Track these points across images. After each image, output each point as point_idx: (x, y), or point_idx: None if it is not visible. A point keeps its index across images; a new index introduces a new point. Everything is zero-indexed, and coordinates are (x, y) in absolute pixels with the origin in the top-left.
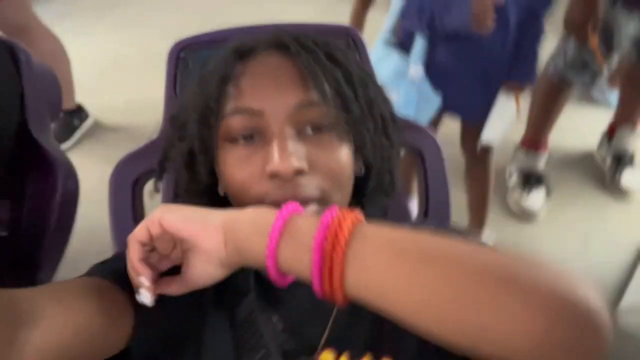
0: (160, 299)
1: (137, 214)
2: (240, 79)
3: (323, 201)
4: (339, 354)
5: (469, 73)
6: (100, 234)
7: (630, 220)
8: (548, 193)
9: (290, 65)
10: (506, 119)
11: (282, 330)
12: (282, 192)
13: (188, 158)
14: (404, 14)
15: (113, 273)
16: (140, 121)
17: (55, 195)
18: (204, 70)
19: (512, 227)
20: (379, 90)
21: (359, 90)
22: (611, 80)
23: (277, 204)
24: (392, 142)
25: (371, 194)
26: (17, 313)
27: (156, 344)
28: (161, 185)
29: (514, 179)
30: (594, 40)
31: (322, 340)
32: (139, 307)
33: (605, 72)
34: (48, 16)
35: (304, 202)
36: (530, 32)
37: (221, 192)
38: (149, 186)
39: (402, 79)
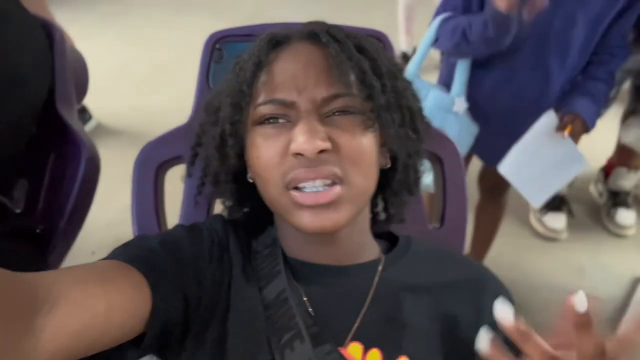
0: (178, 282)
1: (159, 200)
2: (273, 66)
3: (344, 181)
4: (366, 349)
5: (497, 118)
6: (97, 232)
7: (624, 254)
8: (570, 215)
9: (320, 55)
10: (563, 174)
11: (310, 315)
12: (306, 169)
13: (219, 141)
14: (439, 44)
15: (134, 257)
16: (143, 126)
17: (77, 175)
18: (239, 58)
19: (507, 257)
20: (407, 85)
21: (387, 82)
22: None
23: (299, 180)
24: (420, 136)
25: (395, 189)
26: (33, 299)
27: (173, 328)
28: (192, 170)
29: None
30: None
31: (351, 333)
32: (156, 292)
33: None
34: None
35: (326, 179)
36: (600, 73)
37: (250, 178)
38: (173, 172)
39: (446, 114)
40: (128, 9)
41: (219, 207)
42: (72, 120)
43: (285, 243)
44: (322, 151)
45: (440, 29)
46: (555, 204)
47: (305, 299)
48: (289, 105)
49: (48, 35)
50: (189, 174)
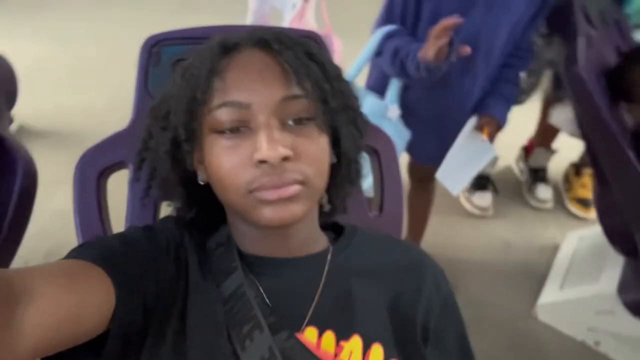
0: (139, 282)
1: (102, 206)
2: (226, 72)
3: (305, 185)
4: (321, 333)
5: (428, 120)
6: (28, 241)
7: (544, 226)
8: (495, 192)
9: (273, 62)
10: (475, 165)
11: (267, 306)
12: (269, 177)
13: (171, 147)
14: (381, 60)
15: (96, 256)
16: (70, 126)
17: (13, 189)
18: (187, 64)
19: (441, 237)
20: (349, 86)
21: (335, 84)
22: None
23: (263, 188)
24: (361, 133)
25: (340, 182)
26: (12, 291)
27: (133, 328)
28: (139, 174)
29: None
30: None
31: (306, 319)
32: (120, 290)
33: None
34: None
35: (288, 184)
36: (510, 75)
37: (201, 181)
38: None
39: (381, 120)
40: (43, 3)
41: (165, 210)
42: (5, 129)
43: (240, 240)
44: (285, 158)
45: (383, 44)
46: (482, 183)
47: (261, 291)
48: (245, 107)
49: None
50: (136, 179)
